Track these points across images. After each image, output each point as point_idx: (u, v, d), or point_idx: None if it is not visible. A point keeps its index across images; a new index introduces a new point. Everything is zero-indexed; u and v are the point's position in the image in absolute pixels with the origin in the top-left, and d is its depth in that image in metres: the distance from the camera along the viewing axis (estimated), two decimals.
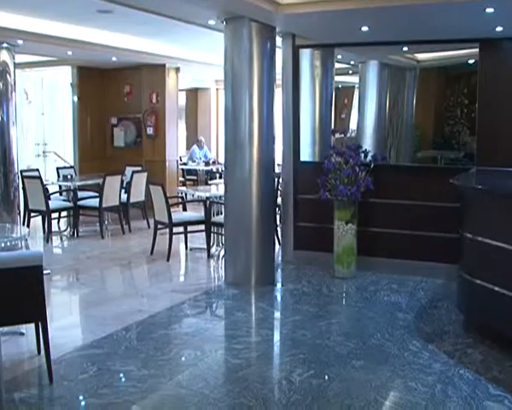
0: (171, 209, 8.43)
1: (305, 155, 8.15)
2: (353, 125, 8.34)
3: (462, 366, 4.80)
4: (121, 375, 4.58)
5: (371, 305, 6.40)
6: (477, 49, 7.32)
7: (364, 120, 8.30)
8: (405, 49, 7.90)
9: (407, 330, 5.61)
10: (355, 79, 8.40)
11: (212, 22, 7.31)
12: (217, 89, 16.53)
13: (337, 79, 8.27)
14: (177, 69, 12.46)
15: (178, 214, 8.86)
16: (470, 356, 5.02)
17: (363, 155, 7.38)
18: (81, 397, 4.22)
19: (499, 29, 6.80)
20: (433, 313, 6.15)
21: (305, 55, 8.14)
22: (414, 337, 5.42)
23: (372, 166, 7.35)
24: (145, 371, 4.62)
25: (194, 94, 16.98)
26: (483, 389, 4.40)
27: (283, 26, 7.23)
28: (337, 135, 8.04)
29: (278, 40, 7.67)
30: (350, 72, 8.60)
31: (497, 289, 5.03)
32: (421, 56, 8.02)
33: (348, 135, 8.19)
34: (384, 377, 4.59)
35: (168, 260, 8.22)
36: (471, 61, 7.53)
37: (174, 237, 8.40)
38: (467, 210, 5.56)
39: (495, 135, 7.28)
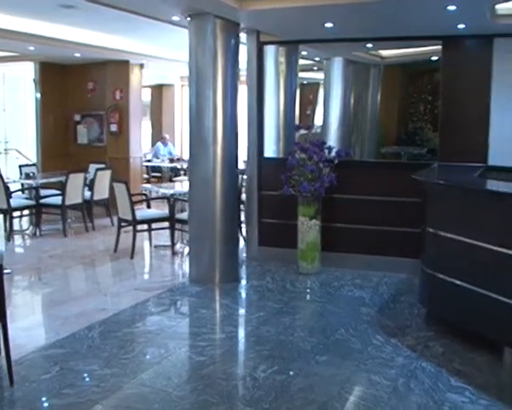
0: (136, 207, 8.38)
1: (270, 151, 8.15)
2: (318, 121, 8.37)
3: (424, 359, 4.87)
4: (84, 375, 4.53)
5: (335, 300, 6.43)
6: (440, 47, 7.41)
7: (329, 116, 8.33)
8: (369, 45, 7.95)
9: (370, 325, 5.66)
10: (320, 76, 8.43)
11: (176, 18, 7.27)
12: (182, 85, 16.44)
13: (302, 75, 8.30)
14: (142, 65, 12.36)
15: (142, 212, 8.80)
16: (432, 349, 5.09)
17: (327, 151, 7.38)
18: (43, 398, 4.16)
19: (461, 26, 6.87)
20: (396, 308, 6.21)
21: (270, 51, 8.14)
22: (377, 332, 5.47)
23: (336, 162, 7.38)
24: (108, 371, 4.57)
25: (158, 90, 16.89)
26: (444, 382, 4.47)
27: (247, 22, 7.21)
28: (301, 131, 8.05)
29: (243, 36, 7.67)
30: (315, 68, 8.63)
31: (458, 282, 5.09)
32: (385, 53, 8.08)
33: (313, 131, 8.20)
34: (347, 371, 4.62)
35: (132, 257, 8.16)
36: (434, 58, 7.60)
37: (138, 234, 8.36)
38: (429, 205, 5.61)
39: (457, 131, 7.37)
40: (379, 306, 6.25)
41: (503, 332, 4.75)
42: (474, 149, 7.32)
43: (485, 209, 4.89)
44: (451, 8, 6.00)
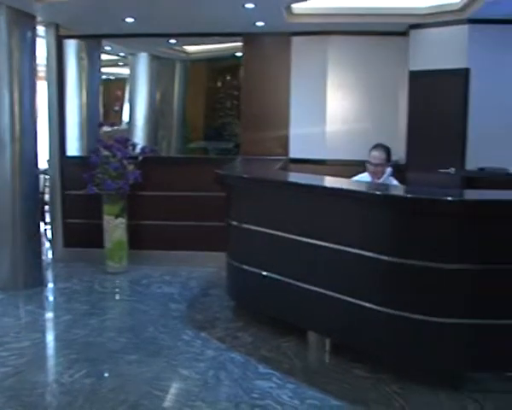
0: None
1: (73, 149, 7.90)
2: (127, 117, 8.27)
3: (234, 350, 4.98)
4: None
5: (144, 298, 6.38)
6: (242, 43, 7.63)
7: (135, 112, 8.26)
8: (173, 41, 7.96)
9: (180, 321, 5.68)
10: (127, 71, 8.32)
11: None
12: None
13: (109, 70, 8.14)
14: None
15: None
16: (240, 339, 5.21)
17: (131, 147, 7.31)
18: None
19: (260, 24, 7.10)
20: (205, 302, 6.28)
21: (71, 46, 7.88)
22: (187, 327, 5.50)
23: (140, 158, 7.33)
24: None
25: None
26: (253, 370, 4.61)
27: (44, 15, 6.92)
28: (105, 128, 7.89)
29: (41, 30, 7.37)
30: (121, 63, 8.49)
31: (264, 273, 5.25)
32: (190, 49, 8.13)
33: (122, 127, 8.09)
34: (157, 368, 4.61)
35: None
36: (239, 54, 7.77)
37: None
38: (232, 199, 5.72)
39: (260, 125, 7.63)
40: (188, 301, 6.29)
41: (306, 317, 4.98)
42: (277, 143, 7.64)
43: (283, 200, 5.07)
44: (249, 5, 6.17)
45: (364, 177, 5.61)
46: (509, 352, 4.14)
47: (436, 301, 4.14)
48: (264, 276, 5.24)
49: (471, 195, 4.71)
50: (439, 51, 6.93)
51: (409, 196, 4.50)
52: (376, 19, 6.98)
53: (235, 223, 5.53)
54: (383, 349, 4.45)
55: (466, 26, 6.70)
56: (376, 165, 5.51)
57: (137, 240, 7.61)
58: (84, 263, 7.61)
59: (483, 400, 4.14)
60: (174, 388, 4.36)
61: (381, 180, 5.49)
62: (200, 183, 7.54)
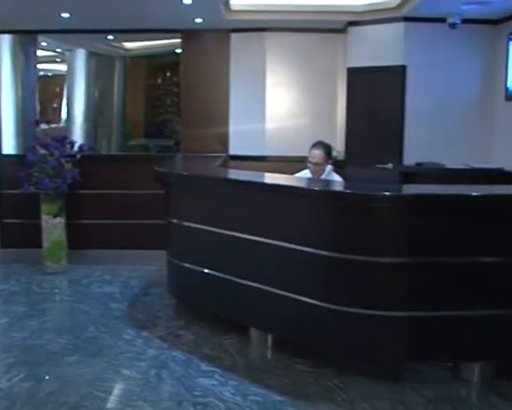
0: None
1: (8, 147, 7.72)
2: (65, 114, 8.16)
3: (175, 349, 4.95)
4: None
5: (84, 298, 6.28)
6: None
7: (74, 109, 8.16)
8: (110, 37, 7.87)
9: (121, 320, 5.61)
10: (65, 68, 8.20)
11: None
12: None
13: (47, 66, 8.01)
14: None
15: None
16: (182, 338, 5.18)
17: (69, 145, 7.17)
18: None
19: (199, 21, 7.09)
20: (146, 301, 6.21)
21: (4, 41, 7.71)
22: (128, 326, 5.44)
23: (79, 157, 7.21)
24: None
25: None
26: (195, 368, 4.59)
27: None
28: (42, 126, 7.75)
29: None
30: (58, 60, 8.36)
31: (205, 270, 5.23)
32: (129, 45, 8.07)
33: (61, 125, 7.97)
34: (98, 369, 4.55)
35: None
36: (178, 51, 7.74)
37: None
38: (172, 196, 5.68)
39: (198, 122, 7.63)
40: (129, 300, 6.22)
41: (248, 314, 4.99)
42: (217, 140, 7.65)
43: (223, 197, 5.06)
44: (187, 1, 6.15)
45: (306, 174, 5.62)
46: (448, 342, 4.23)
47: (376, 294, 4.20)
48: (205, 273, 5.22)
49: (408, 190, 4.80)
50: (377, 48, 7.05)
51: (347, 191, 4.55)
52: (314, 16, 7.07)
53: (175, 221, 5.50)
54: (326, 344, 4.49)
55: (402, 24, 6.84)
56: (315, 164, 5.49)
57: (77, 239, 7.49)
58: (22, 264, 7.44)
59: (422, 389, 4.23)
60: (116, 388, 4.30)
61: (322, 177, 5.50)
62: (141, 181, 7.46)
